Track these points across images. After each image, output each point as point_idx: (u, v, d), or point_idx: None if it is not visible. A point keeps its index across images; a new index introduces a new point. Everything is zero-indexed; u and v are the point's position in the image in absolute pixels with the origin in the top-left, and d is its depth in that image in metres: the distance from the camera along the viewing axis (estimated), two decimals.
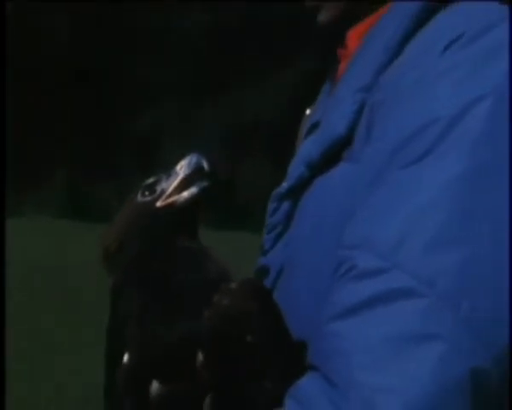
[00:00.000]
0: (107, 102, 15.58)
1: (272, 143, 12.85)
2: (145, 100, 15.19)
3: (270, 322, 0.79)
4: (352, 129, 0.85)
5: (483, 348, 0.72)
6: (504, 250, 0.73)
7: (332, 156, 0.87)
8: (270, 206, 0.94)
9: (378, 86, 0.84)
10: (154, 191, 0.89)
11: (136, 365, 0.82)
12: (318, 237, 0.85)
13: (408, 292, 0.73)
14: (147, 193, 0.89)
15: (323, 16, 0.92)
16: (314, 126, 0.94)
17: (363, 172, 0.81)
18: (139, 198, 0.89)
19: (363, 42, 0.90)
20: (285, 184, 0.93)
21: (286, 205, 0.93)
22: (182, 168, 0.88)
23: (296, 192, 0.91)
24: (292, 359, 0.79)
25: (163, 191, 0.88)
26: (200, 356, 0.79)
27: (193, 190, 0.87)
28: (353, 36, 0.92)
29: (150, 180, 0.90)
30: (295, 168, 0.92)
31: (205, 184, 0.88)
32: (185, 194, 0.88)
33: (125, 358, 0.83)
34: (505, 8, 0.84)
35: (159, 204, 0.88)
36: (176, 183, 0.88)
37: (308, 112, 1.04)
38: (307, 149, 0.91)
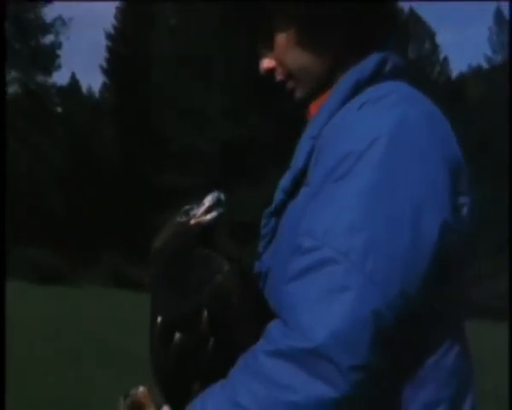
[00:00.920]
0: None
1: None
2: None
3: (251, 292, 1.23)
4: (307, 164, 1.28)
5: (381, 295, 1.10)
6: (394, 234, 1.13)
7: (297, 184, 1.29)
8: (263, 221, 1.37)
9: (321, 136, 1.28)
10: (189, 214, 1.32)
11: (165, 322, 1.26)
12: (286, 247, 1.26)
13: (332, 260, 1.12)
14: (183, 216, 1.33)
15: (298, 94, 1.38)
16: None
17: (312, 190, 1.22)
18: (178, 219, 1.33)
19: (318, 110, 1.34)
20: (272, 206, 1.36)
21: (272, 221, 1.36)
22: (207, 200, 1.32)
23: (278, 212, 1.34)
24: (266, 314, 1.20)
25: (194, 215, 1.32)
26: (205, 315, 1.22)
27: (213, 214, 1.31)
28: (314, 106, 1.37)
29: (187, 207, 1.34)
30: (278, 194, 1.35)
31: (221, 210, 1.31)
32: (208, 217, 1.31)
33: (158, 319, 1.27)
34: (392, 84, 1.27)
35: (191, 223, 1.32)
36: (203, 209, 1.31)
37: None
38: (285, 179, 1.34)
